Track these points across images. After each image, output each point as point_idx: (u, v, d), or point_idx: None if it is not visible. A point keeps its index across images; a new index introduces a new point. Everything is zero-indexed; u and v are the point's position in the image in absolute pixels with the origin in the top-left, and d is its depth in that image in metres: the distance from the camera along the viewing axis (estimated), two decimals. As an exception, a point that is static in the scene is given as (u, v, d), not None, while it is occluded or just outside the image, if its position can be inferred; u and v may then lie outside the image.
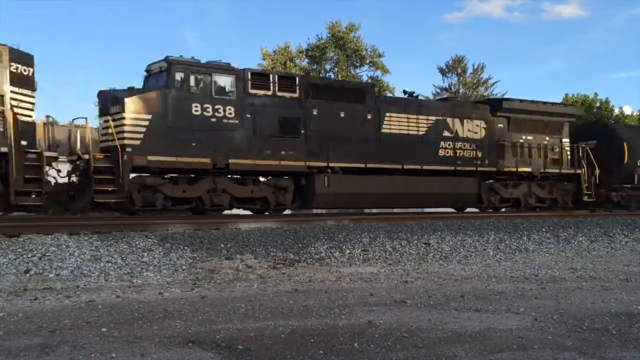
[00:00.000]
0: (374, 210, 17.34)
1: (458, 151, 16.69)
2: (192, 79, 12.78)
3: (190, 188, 12.90)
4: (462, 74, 42.77)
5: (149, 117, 12.21)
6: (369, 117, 15.24)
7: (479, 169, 17.00)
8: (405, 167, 15.46)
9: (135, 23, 71.03)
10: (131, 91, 12.53)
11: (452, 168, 16.46)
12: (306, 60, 40.69)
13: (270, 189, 13.93)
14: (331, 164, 14.32)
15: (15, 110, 10.83)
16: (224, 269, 7.82)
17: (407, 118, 15.92)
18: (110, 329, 4.41)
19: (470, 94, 41.54)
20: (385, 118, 15.51)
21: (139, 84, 13.35)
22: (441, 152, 16.40)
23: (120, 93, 12.44)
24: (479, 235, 11.34)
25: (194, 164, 12.63)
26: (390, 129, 15.54)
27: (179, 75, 12.60)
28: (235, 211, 14.40)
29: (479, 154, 17.04)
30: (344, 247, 9.63)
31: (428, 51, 67.83)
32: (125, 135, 11.99)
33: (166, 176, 12.75)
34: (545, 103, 19.12)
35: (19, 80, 11.11)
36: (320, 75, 39.78)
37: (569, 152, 19.02)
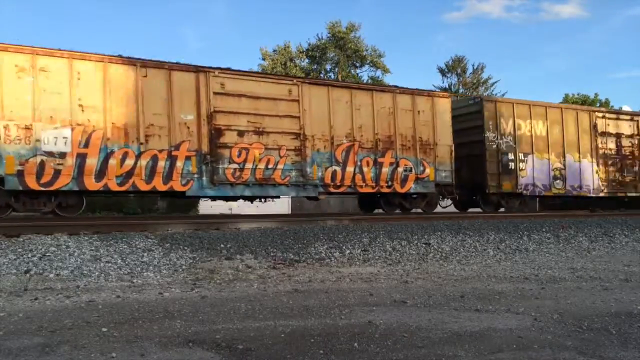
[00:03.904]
0: (374, 210, 17.31)
1: None
2: None
3: None
4: (462, 74, 42.84)
5: None
6: None
7: None
8: None
9: (135, 23, 71.09)
10: None
11: None
12: (306, 60, 40.72)
13: None
14: None
15: None
16: (224, 269, 7.82)
17: None
18: (110, 329, 4.41)
19: (470, 94, 41.58)
20: None
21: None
22: None
23: None
24: (479, 235, 11.34)
25: None
26: None
27: None
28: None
29: None
30: (344, 247, 9.63)
31: (428, 51, 67.96)
32: None
33: None
34: None
35: None
36: (321, 75, 39.80)
37: None
